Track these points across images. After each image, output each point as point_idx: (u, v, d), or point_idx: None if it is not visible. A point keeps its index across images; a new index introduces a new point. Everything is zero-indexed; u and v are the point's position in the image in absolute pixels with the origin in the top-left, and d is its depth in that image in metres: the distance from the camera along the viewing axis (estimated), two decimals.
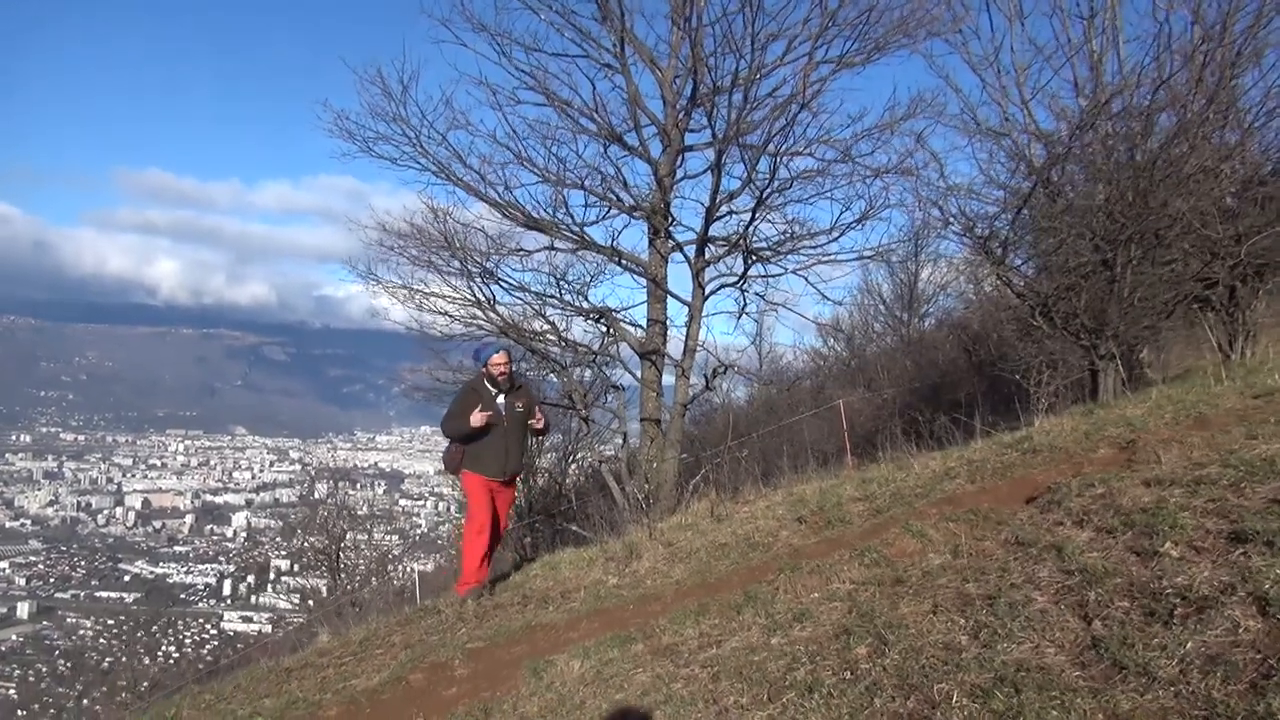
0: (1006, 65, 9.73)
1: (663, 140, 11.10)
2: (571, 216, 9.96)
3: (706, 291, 10.15)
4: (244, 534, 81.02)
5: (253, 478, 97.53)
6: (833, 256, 9.99)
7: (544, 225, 10.66)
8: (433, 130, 10.01)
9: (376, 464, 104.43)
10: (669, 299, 11.40)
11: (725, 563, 6.47)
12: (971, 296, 26.57)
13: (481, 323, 10.95)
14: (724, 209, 9.84)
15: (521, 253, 11.24)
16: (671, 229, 9.75)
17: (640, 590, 6.37)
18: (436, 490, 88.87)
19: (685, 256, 9.82)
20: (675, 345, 11.61)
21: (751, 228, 8.83)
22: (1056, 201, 8.36)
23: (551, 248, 11.21)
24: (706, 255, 10.08)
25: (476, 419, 6.79)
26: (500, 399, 7.09)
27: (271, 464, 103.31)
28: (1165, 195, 7.27)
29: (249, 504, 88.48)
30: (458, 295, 10.68)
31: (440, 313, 10.91)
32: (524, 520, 14.53)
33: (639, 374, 11.00)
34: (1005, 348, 20.01)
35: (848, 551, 5.42)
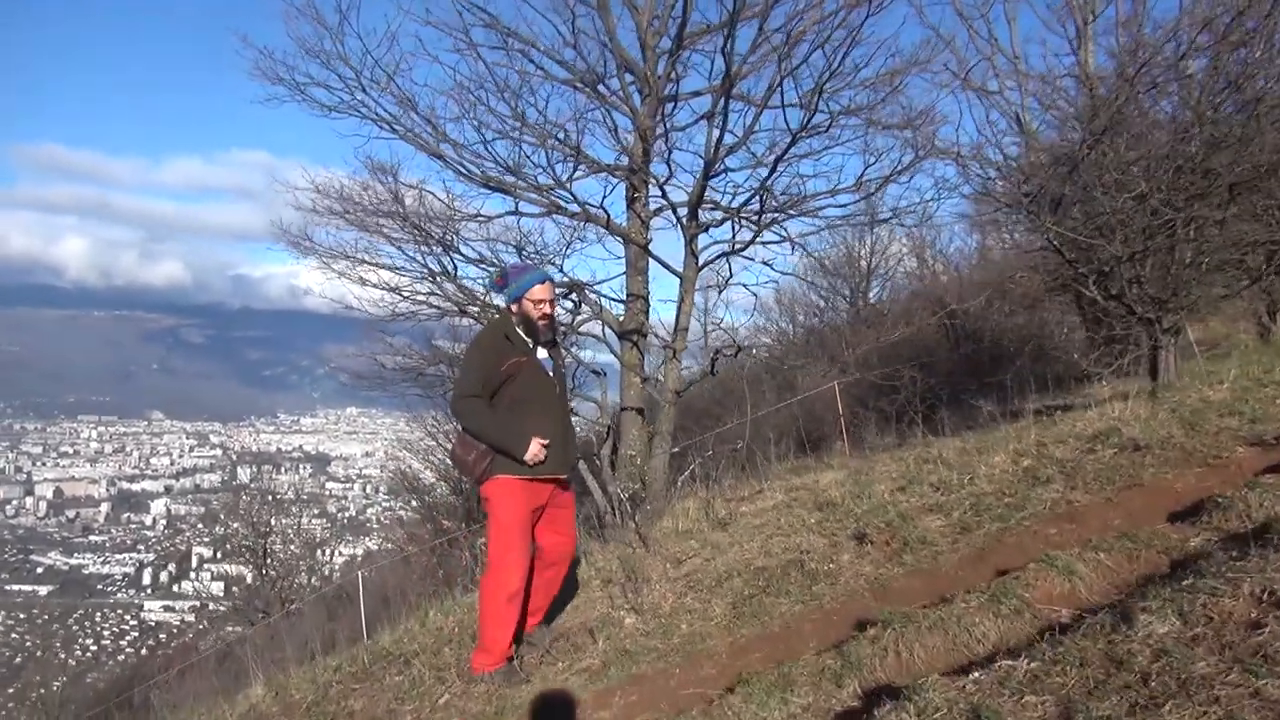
0: None
1: (641, 89, 9.64)
2: (551, 173, 8.43)
3: (700, 261, 8.74)
4: (164, 522, 78.93)
5: (172, 463, 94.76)
6: (842, 220, 8.72)
7: (507, 186, 9.13)
8: (377, 70, 8.39)
9: (302, 447, 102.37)
10: (651, 272, 9.99)
11: (781, 599, 5.12)
12: (940, 268, 25.80)
13: (435, 298, 9.41)
14: (726, 164, 8.44)
15: (481, 218, 9.69)
16: (662, 189, 8.28)
17: (676, 638, 4.98)
18: (364, 473, 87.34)
19: (677, 219, 8.40)
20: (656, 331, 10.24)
21: (771, 180, 7.42)
22: (1108, 155, 7.13)
23: (516, 212, 9.69)
24: (700, 219, 8.66)
25: (534, 449, 4.57)
26: (541, 354, 4.77)
27: (191, 449, 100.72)
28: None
29: (168, 490, 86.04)
30: (411, 266, 9.11)
31: (389, 288, 9.32)
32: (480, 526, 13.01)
33: (620, 357, 9.58)
34: (983, 322, 19.22)
35: (965, 593, 4.10)
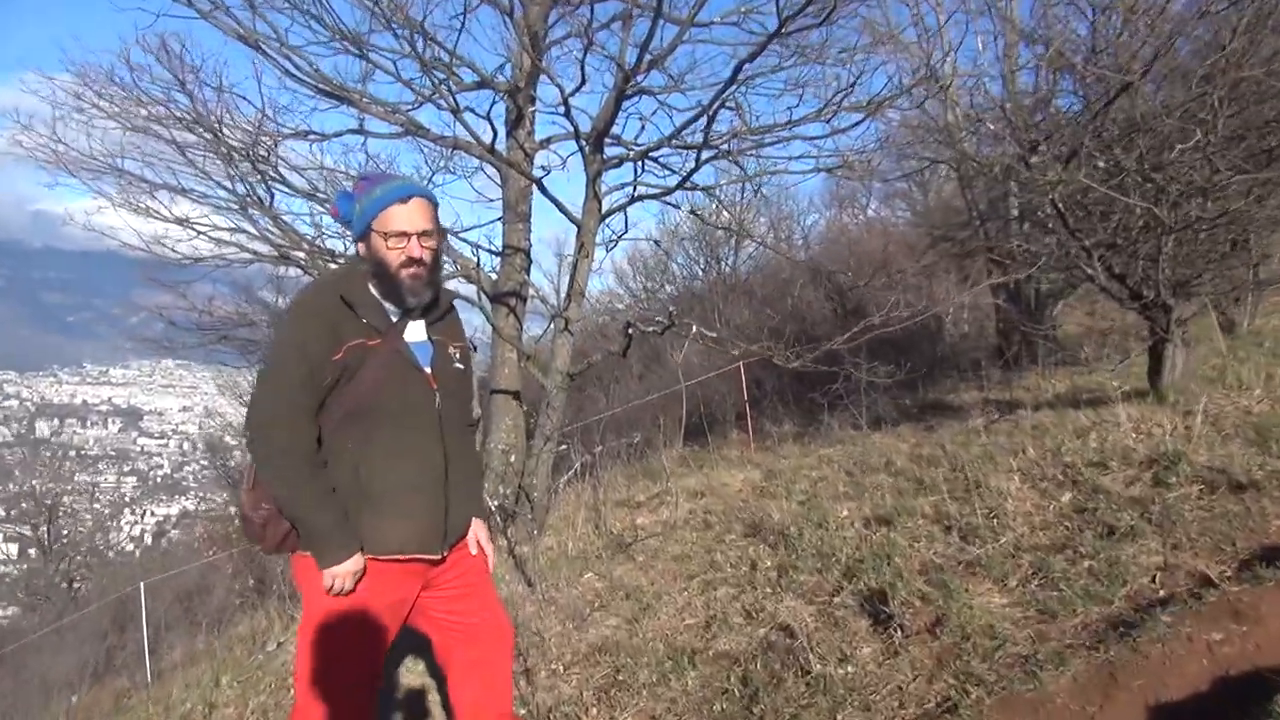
0: None
1: None
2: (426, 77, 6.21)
3: (604, 207, 6.75)
4: None
5: None
6: (784, 165, 6.88)
7: (349, 96, 6.84)
8: None
9: (111, 400, 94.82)
10: (536, 220, 7.94)
11: None
12: (819, 231, 24.57)
13: (245, 237, 7.00)
14: (644, 82, 6.43)
15: (314, 136, 7.32)
16: (567, 107, 6.17)
17: None
18: (180, 429, 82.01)
19: (580, 150, 6.36)
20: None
21: (728, 95, 5.39)
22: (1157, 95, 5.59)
23: (360, 130, 7.42)
24: (606, 154, 6.67)
25: (341, 577, 2.46)
26: (414, 332, 2.68)
27: None
28: None
29: None
30: (211, 192, 6.65)
31: (175, 220, 6.81)
32: None
33: (494, 325, 7.49)
34: (867, 297, 18.00)
35: None
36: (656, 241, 18.59)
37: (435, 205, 2.65)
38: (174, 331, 8.82)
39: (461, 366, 2.81)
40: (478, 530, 2.83)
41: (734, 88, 5.43)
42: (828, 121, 5.65)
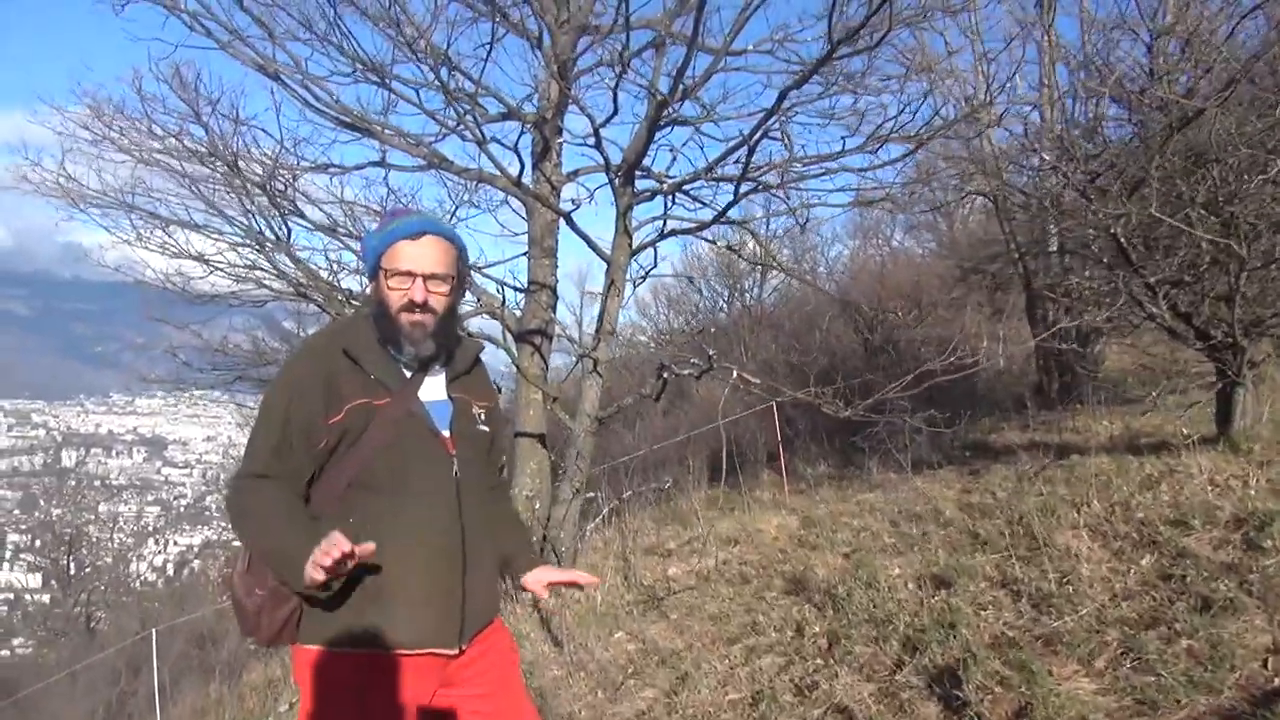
0: None
1: (554, 14, 7.26)
2: (452, 108, 5.96)
3: (635, 242, 6.44)
4: None
5: None
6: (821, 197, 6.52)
7: (371, 128, 6.60)
8: None
9: (136, 429, 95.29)
10: (560, 254, 7.65)
11: None
12: (844, 263, 24.17)
13: (265, 274, 6.72)
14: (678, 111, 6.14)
15: (334, 169, 7.07)
16: (598, 138, 5.88)
17: None
18: (204, 458, 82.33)
19: (610, 182, 6.07)
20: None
21: (767, 128, 5.03)
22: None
23: (382, 163, 7.17)
24: (636, 186, 6.37)
25: (319, 563, 1.93)
26: (431, 389, 2.32)
27: (11, 429, 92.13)
28: None
29: None
30: (226, 228, 6.39)
31: (190, 255, 6.55)
32: None
33: (517, 365, 7.16)
34: (897, 331, 17.57)
35: None
36: (690, 278, 18.19)
37: (458, 249, 2.31)
38: (188, 371, 8.54)
39: (486, 428, 2.45)
40: (541, 578, 2.49)
41: (775, 118, 5.11)
42: (874, 152, 5.33)
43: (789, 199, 6.10)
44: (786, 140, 5.54)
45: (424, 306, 2.21)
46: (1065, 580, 4.16)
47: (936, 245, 23.05)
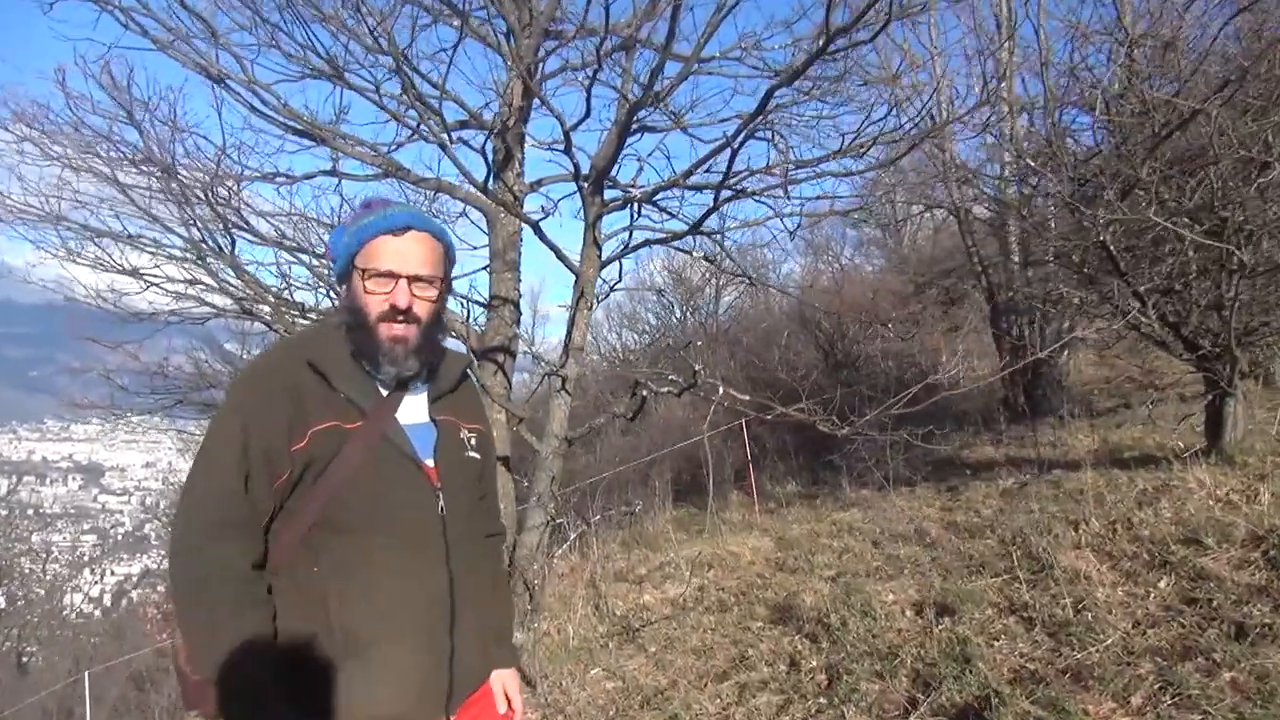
0: None
1: (516, 15, 6.94)
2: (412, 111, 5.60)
3: (604, 254, 6.13)
4: None
5: None
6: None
7: (323, 134, 6.19)
8: None
9: (72, 455, 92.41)
10: (522, 266, 7.30)
11: None
12: (795, 280, 24.07)
13: (205, 289, 6.23)
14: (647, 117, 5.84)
15: (282, 179, 6.63)
16: (568, 147, 5.56)
17: None
18: (143, 485, 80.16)
19: (579, 189, 5.74)
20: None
21: (752, 129, 4.76)
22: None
23: (334, 172, 6.77)
24: (605, 197, 6.06)
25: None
26: (411, 410, 1.95)
27: None
28: None
29: None
30: (164, 238, 5.91)
31: (125, 271, 6.04)
32: None
33: (481, 384, 6.79)
34: (855, 346, 17.44)
35: None
36: (661, 291, 17.87)
37: (445, 247, 1.95)
38: (124, 395, 7.97)
39: (477, 456, 2.09)
40: (505, 683, 2.12)
41: (758, 119, 4.83)
42: (861, 155, 5.07)
43: (776, 205, 5.81)
44: (780, 142, 5.27)
45: (407, 314, 1.85)
46: (1080, 606, 3.90)
47: (886, 261, 23.17)
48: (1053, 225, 7.63)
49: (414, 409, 1.95)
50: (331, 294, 6.81)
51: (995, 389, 12.80)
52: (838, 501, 8.68)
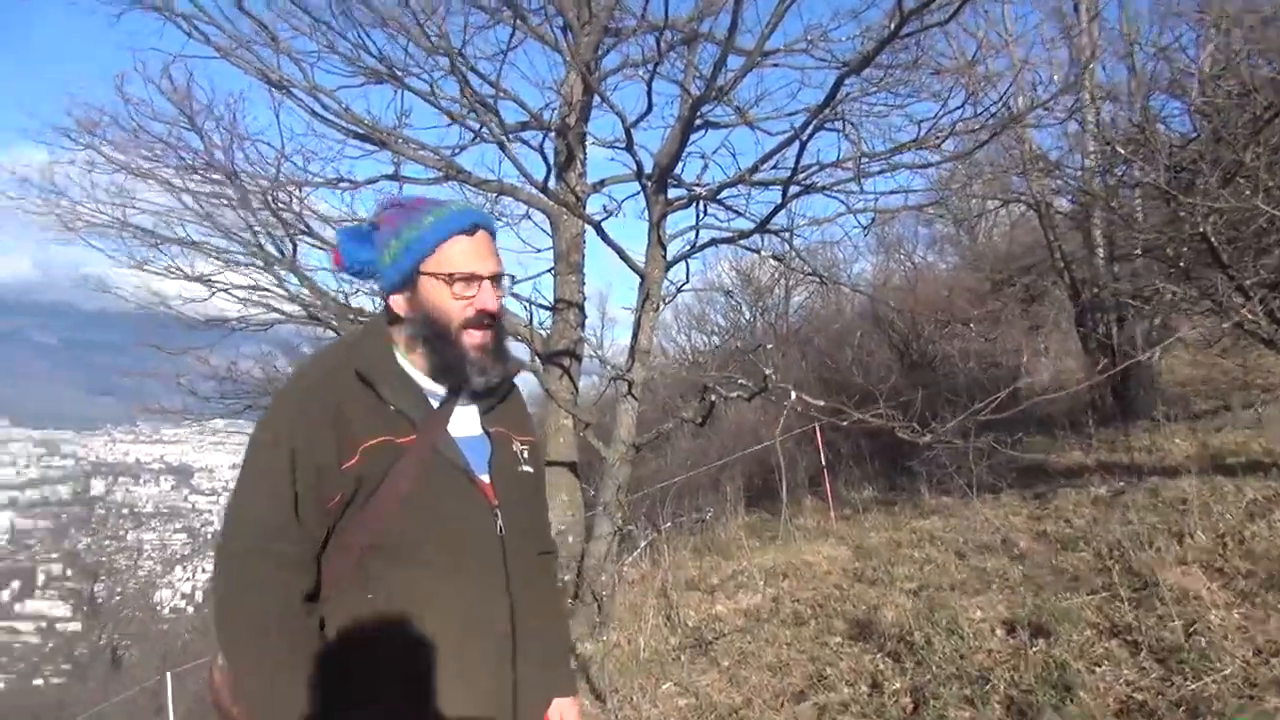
0: None
1: (575, 12, 6.83)
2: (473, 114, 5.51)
3: (669, 254, 5.94)
4: (6, 537, 71.62)
5: (17, 474, 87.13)
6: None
7: (385, 138, 6.14)
8: None
9: (163, 457, 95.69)
10: (589, 269, 7.19)
11: None
12: (867, 279, 23.53)
13: (269, 294, 6.23)
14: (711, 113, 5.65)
15: (344, 184, 6.62)
16: (629, 147, 5.39)
17: None
18: (229, 485, 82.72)
19: (642, 188, 5.58)
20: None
21: (822, 121, 4.52)
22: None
23: (396, 176, 6.73)
24: (669, 195, 5.89)
25: None
26: (464, 422, 1.78)
27: (40, 459, 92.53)
28: None
29: (13, 503, 78.57)
30: (227, 245, 5.92)
31: (190, 278, 6.08)
32: None
33: (545, 388, 6.66)
34: (931, 346, 16.92)
35: None
36: (729, 291, 17.57)
37: (494, 236, 1.82)
38: (195, 401, 8.06)
39: (530, 469, 1.92)
40: (564, 714, 1.95)
41: (826, 111, 4.60)
42: (937, 147, 4.80)
43: (848, 200, 5.55)
44: (851, 132, 5.02)
45: (494, 318, 1.73)
46: (1192, 630, 3.58)
47: (960, 259, 22.43)
48: (1142, 217, 7.20)
49: (465, 421, 1.79)
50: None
51: (1082, 390, 12.24)
52: (917, 509, 8.34)
